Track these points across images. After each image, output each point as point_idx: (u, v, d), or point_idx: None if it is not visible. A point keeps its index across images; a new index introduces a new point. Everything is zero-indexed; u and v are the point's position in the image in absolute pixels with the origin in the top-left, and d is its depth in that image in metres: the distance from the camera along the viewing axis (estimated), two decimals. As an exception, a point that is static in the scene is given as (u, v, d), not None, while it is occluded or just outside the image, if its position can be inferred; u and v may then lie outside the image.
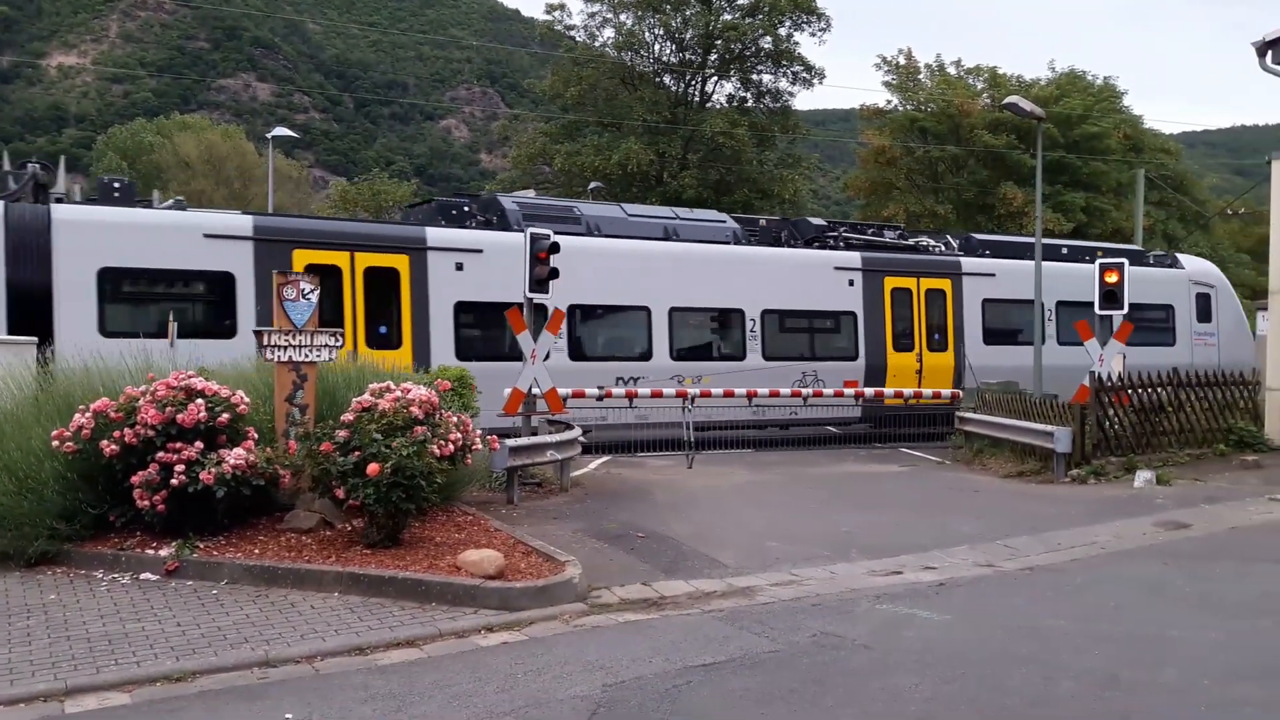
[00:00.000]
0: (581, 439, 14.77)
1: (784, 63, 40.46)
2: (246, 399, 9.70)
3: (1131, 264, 18.36)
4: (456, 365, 15.03)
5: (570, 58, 40.90)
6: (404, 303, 16.98)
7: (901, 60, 46.00)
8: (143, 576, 8.59)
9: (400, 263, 17.01)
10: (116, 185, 16.20)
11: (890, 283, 21.25)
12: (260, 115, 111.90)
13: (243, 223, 16.43)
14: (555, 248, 14.35)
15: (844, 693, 6.30)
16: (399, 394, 9.39)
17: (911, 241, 23.15)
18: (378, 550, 8.98)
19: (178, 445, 9.00)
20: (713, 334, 20.17)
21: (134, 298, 15.76)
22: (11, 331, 13.68)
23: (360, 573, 8.40)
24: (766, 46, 40.07)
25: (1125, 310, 16.96)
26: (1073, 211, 41.91)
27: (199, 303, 16.20)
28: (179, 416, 9.05)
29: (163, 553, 8.81)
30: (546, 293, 14.52)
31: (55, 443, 9.09)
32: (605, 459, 17.20)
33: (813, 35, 40.73)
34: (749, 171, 39.05)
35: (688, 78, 41.23)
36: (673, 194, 37.81)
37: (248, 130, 75.05)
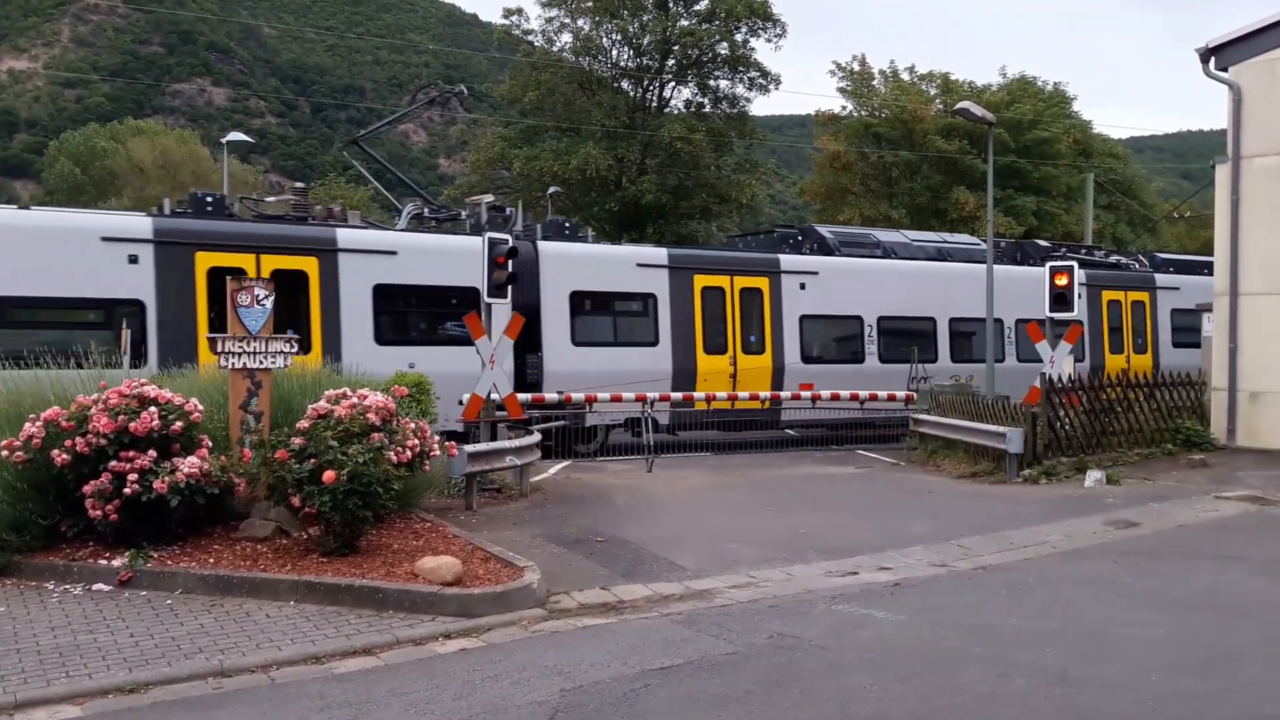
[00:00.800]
0: (539, 444, 14.77)
1: (740, 68, 40.69)
2: (200, 406, 9.61)
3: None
4: (803, 366, 20.66)
5: (528, 62, 40.85)
6: (766, 314, 20.70)
7: (856, 66, 46.54)
8: (95, 587, 8.48)
9: (762, 283, 20.77)
10: (567, 226, 20.43)
11: (1105, 295, 25.04)
12: (216, 120, 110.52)
13: (659, 254, 20.31)
14: (514, 252, 14.36)
15: (799, 693, 6.37)
16: (355, 400, 9.36)
17: (1114, 259, 26.82)
18: (334, 558, 8.94)
19: (131, 454, 8.91)
20: (980, 340, 22.48)
21: (594, 314, 19.38)
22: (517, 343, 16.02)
23: (316, 581, 8.35)
24: (723, 52, 40.27)
25: (1075, 312, 17.28)
26: (1024, 215, 42.58)
27: (632, 317, 19.68)
28: (131, 425, 8.95)
29: (115, 563, 8.71)
30: (505, 298, 14.51)
31: (5, 452, 8.95)
32: (565, 463, 17.21)
33: (768, 41, 41.06)
34: (707, 176, 39.25)
35: (645, 83, 41.34)
36: (631, 199, 37.92)
37: (203, 135, 74.16)
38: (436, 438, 10.33)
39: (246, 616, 7.83)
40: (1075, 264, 17.89)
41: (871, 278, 21.55)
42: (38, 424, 9.01)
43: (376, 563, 8.89)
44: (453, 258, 17.50)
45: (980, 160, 38.18)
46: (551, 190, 36.91)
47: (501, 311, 15.12)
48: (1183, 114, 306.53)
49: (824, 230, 23.22)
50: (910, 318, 22.27)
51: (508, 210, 20.47)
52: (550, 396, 17.76)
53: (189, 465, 9.00)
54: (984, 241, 23.50)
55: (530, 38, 42.17)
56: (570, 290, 18.69)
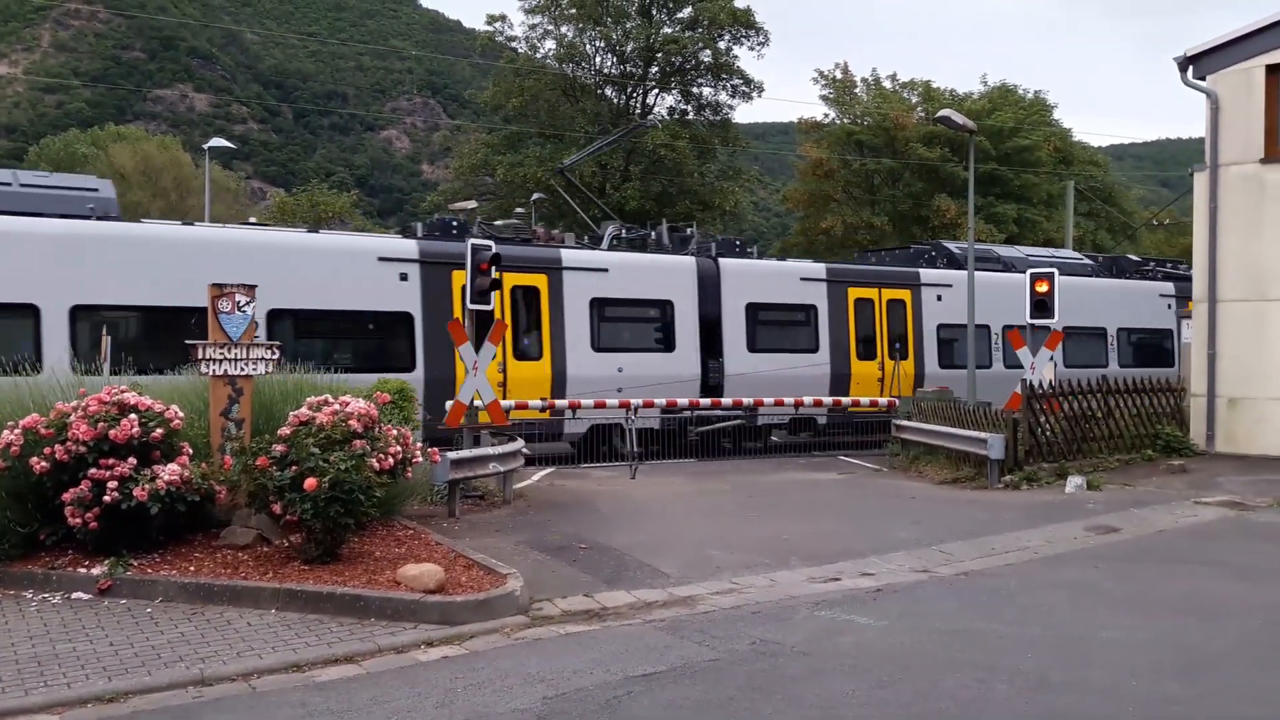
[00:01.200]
0: (525, 450, 14.75)
1: (723, 76, 40.88)
2: (181, 414, 9.56)
3: None
4: (940, 370, 22.46)
5: (512, 69, 40.89)
6: (908, 324, 22.87)
7: (838, 74, 46.74)
8: (74, 596, 8.43)
9: (905, 295, 22.89)
10: (738, 243, 22.33)
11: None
12: (197, 126, 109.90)
13: (819, 269, 22.33)
14: (496, 259, 14.38)
15: (781, 700, 6.37)
16: (337, 407, 9.33)
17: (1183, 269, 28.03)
18: (316, 566, 8.90)
19: (110, 461, 8.86)
20: (1092, 348, 24.76)
21: (766, 323, 21.05)
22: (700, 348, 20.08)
23: (298, 589, 8.32)
24: (706, 60, 40.43)
25: (1055, 319, 17.39)
26: (1005, 223, 42.83)
27: (796, 326, 21.43)
28: (111, 432, 8.90)
29: (95, 571, 8.65)
30: (488, 304, 14.51)
31: (-17, 460, 8.89)
32: (549, 470, 17.19)
33: (751, 49, 41.26)
34: (690, 183, 39.36)
35: (629, 90, 41.43)
36: (615, 205, 37.92)
37: (184, 141, 73.71)
38: (419, 445, 10.30)
39: (227, 624, 7.78)
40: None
41: (997, 290, 22.63)
42: (15, 431, 8.95)
43: (358, 570, 8.85)
44: (651, 273, 20.05)
45: (961, 168, 38.38)
46: (535, 197, 36.92)
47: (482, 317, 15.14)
48: (1162, 122, 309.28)
49: (952, 246, 25.12)
50: (1020, 327, 23.49)
51: (687, 230, 22.77)
52: (724, 401, 19.52)
53: (169, 472, 8.95)
54: (1083, 256, 26.81)
55: (514, 44, 42.26)
56: (746, 302, 20.70)
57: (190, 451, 9.50)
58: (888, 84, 47.53)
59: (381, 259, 17.31)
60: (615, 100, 41.66)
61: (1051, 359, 17.44)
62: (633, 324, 20.06)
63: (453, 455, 12.50)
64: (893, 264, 24.07)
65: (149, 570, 8.77)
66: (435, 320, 17.32)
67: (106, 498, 8.70)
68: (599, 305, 19.22)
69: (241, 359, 10.16)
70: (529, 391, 17.99)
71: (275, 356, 10.50)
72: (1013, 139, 44.18)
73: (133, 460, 8.95)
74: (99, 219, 15.61)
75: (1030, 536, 11.68)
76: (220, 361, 10.08)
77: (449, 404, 14.41)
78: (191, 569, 8.85)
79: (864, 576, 9.81)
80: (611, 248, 20.95)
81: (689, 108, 41.72)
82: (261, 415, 10.44)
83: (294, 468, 8.72)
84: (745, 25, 40.23)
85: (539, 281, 18.70)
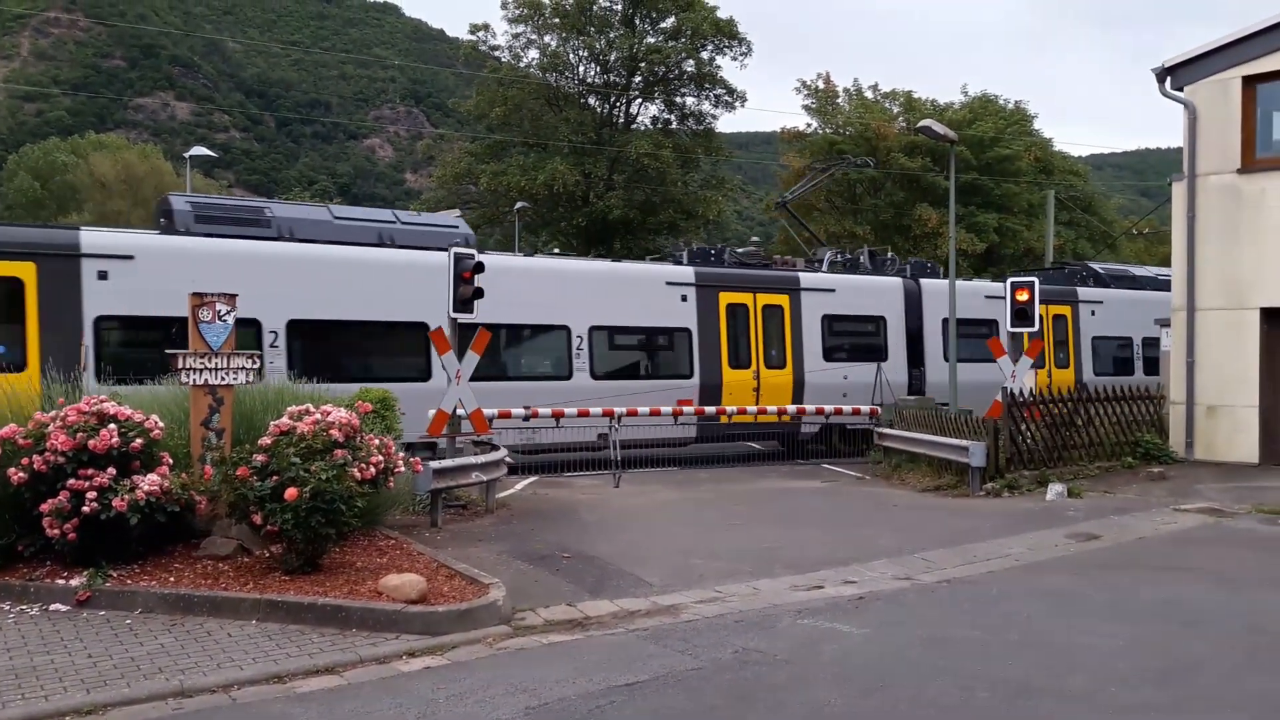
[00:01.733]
0: (508, 460, 14.72)
1: (706, 86, 40.96)
2: (161, 423, 9.49)
3: None
4: (1096, 378, 23.94)
5: (495, 78, 40.87)
6: (1070, 336, 25.30)
7: (820, 84, 46.91)
8: (52, 608, 8.35)
9: (1066, 311, 25.38)
10: (929, 265, 24.84)
11: None
12: (179, 134, 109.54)
13: (999, 288, 22.85)
14: (480, 267, 14.36)
15: (764, 708, 6.38)
16: (318, 417, 9.29)
17: None
18: (297, 576, 8.85)
19: (89, 472, 8.78)
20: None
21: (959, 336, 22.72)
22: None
23: (279, 599, 8.27)
24: (689, 69, 40.52)
25: (1035, 328, 17.49)
26: (986, 232, 43.07)
27: (981, 338, 22.42)
28: (90, 442, 8.83)
29: (74, 582, 8.58)
30: (471, 312, 14.48)
31: (-41, 471, 8.81)
32: (532, 479, 17.17)
33: (734, 59, 41.39)
34: (674, 192, 39.41)
35: (613, 99, 41.48)
36: (599, 214, 37.99)
37: (166, 150, 73.53)
38: (401, 454, 10.27)
39: (208, 636, 7.73)
40: None
41: (1137, 306, 25.63)
42: (-7, 442, 8.88)
43: (340, 581, 8.81)
44: (868, 292, 22.90)
45: (942, 177, 38.60)
46: (518, 205, 36.93)
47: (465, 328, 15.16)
48: (1142, 132, 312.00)
49: (1097, 267, 28.35)
50: (1155, 339, 25.66)
51: (889, 255, 25.57)
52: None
53: (149, 483, 8.89)
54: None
55: (497, 53, 42.24)
56: (942, 317, 22.44)
57: (170, 461, 9.43)
58: (869, 94, 47.76)
59: (668, 283, 20.47)
60: (599, 110, 41.72)
61: (1033, 367, 17.52)
62: (853, 337, 22.60)
63: (435, 465, 12.47)
64: (1047, 283, 25.28)
65: (128, 581, 8.70)
66: (706, 334, 20.54)
67: (85, 508, 8.63)
68: (828, 321, 22.03)
69: (222, 368, 10.11)
70: (777, 397, 20.92)
71: (256, 366, 10.46)
72: (993, 149, 44.45)
73: (112, 470, 8.88)
74: None
75: (1012, 544, 11.74)
76: (200, 371, 10.03)
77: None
78: (171, 580, 8.79)
79: (847, 584, 9.83)
80: (831, 270, 23.55)
81: (672, 117, 41.81)
82: (242, 425, 10.38)
83: (275, 478, 8.68)
84: (728, 36, 40.36)
85: (783, 301, 21.56)
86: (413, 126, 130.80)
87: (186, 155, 37.40)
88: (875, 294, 23.01)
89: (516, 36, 40.98)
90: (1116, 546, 11.75)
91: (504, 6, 40.59)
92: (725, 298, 20.81)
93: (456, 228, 19.16)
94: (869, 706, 6.42)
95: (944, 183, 37.68)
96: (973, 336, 23.02)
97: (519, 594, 9.03)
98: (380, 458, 9.52)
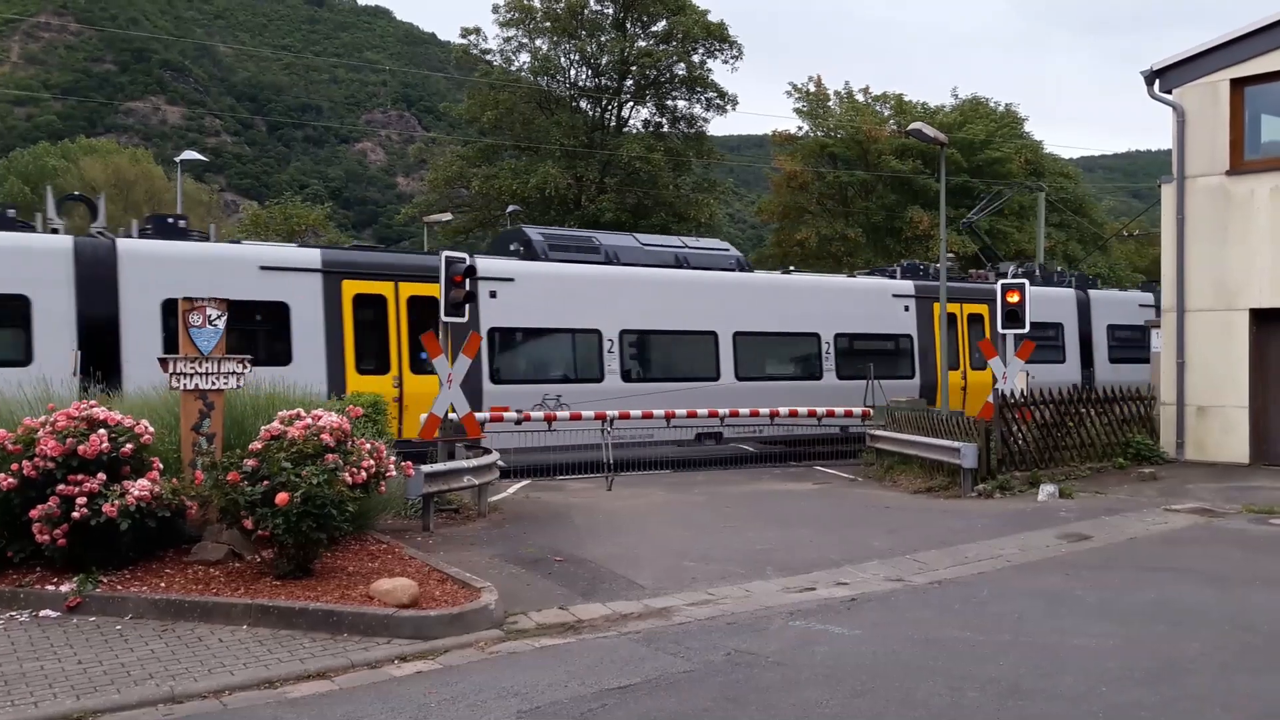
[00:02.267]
0: (500, 464, 14.70)
1: (698, 89, 41.04)
2: (151, 428, 9.47)
3: None
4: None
5: (487, 82, 40.87)
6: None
7: (811, 88, 46.99)
8: (42, 614, 8.32)
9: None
10: (1092, 278, 28.42)
11: None
12: (170, 139, 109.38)
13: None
14: (471, 271, 14.39)
15: (757, 710, 6.38)
16: (309, 421, 9.28)
17: None
18: (288, 581, 8.84)
19: (79, 477, 8.76)
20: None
21: (1121, 341, 27.50)
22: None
23: (270, 604, 8.25)
24: (681, 73, 40.60)
25: (1026, 329, 17.54)
26: (976, 234, 43.05)
27: (1138, 344, 25.36)
28: (80, 448, 8.81)
29: (64, 588, 8.55)
30: (463, 316, 14.48)
31: (-52, 477, 8.77)
32: (524, 483, 17.15)
33: (725, 63, 41.48)
34: (665, 195, 39.47)
35: (604, 103, 41.52)
36: (591, 217, 37.98)
37: (157, 154, 73.30)
38: (393, 458, 10.25)
39: (198, 641, 7.71)
40: None
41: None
42: (-17, 448, 8.85)
43: (331, 585, 8.80)
44: (1048, 301, 25.01)
45: (934, 180, 38.68)
46: (510, 209, 36.92)
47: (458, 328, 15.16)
48: (1132, 135, 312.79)
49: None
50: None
51: (1059, 268, 28.18)
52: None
53: (139, 488, 8.87)
54: None
55: (489, 57, 42.26)
56: (1107, 324, 26.53)
57: (160, 467, 9.41)
58: (860, 97, 47.85)
59: (894, 295, 23.54)
60: (590, 113, 41.75)
61: (1024, 369, 17.56)
62: (1039, 341, 23.09)
63: (426, 469, 12.44)
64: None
65: (118, 587, 8.67)
66: (923, 340, 23.51)
67: (75, 514, 8.60)
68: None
69: (213, 373, 10.09)
70: (980, 394, 22.48)
71: (245, 370, 10.43)
72: (984, 151, 44.54)
73: (102, 476, 8.86)
74: (739, 270, 22.44)
75: (1003, 544, 11.76)
76: (191, 375, 10.01)
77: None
78: (162, 585, 8.77)
79: (839, 586, 9.84)
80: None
81: (664, 120, 41.88)
82: (233, 430, 10.37)
83: (265, 482, 8.67)
84: (719, 39, 40.45)
85: (983, 310, 24.07)
86: (404, 130, 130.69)
87: (178, 159, 37.23)
88: (1055, 303, 25.71)
89: (508, 40, 41.10)
90: (1108, 547, 11.78)
91: (495, 10, 40.66)
92: (938, 308, 22.62)
93: (728, 250, 23.15)
94: (860, 707, 6.42)
95: (935, 185, 37.77)
96: (1131, 342, 26.22)
97: (511, 598, 9.02)
98: (371, 462, 9.50)
